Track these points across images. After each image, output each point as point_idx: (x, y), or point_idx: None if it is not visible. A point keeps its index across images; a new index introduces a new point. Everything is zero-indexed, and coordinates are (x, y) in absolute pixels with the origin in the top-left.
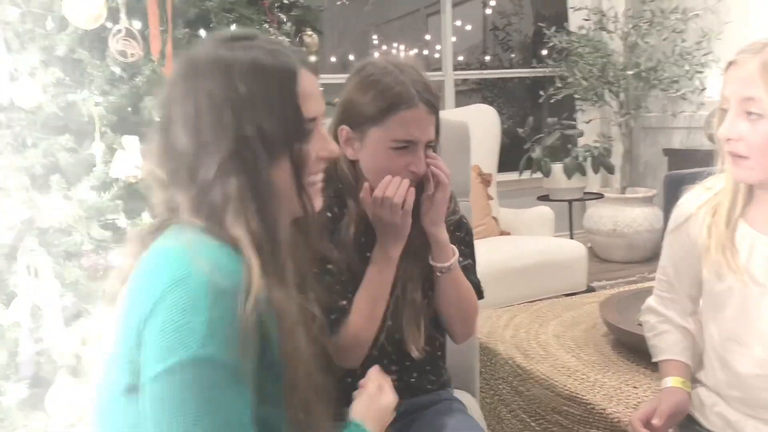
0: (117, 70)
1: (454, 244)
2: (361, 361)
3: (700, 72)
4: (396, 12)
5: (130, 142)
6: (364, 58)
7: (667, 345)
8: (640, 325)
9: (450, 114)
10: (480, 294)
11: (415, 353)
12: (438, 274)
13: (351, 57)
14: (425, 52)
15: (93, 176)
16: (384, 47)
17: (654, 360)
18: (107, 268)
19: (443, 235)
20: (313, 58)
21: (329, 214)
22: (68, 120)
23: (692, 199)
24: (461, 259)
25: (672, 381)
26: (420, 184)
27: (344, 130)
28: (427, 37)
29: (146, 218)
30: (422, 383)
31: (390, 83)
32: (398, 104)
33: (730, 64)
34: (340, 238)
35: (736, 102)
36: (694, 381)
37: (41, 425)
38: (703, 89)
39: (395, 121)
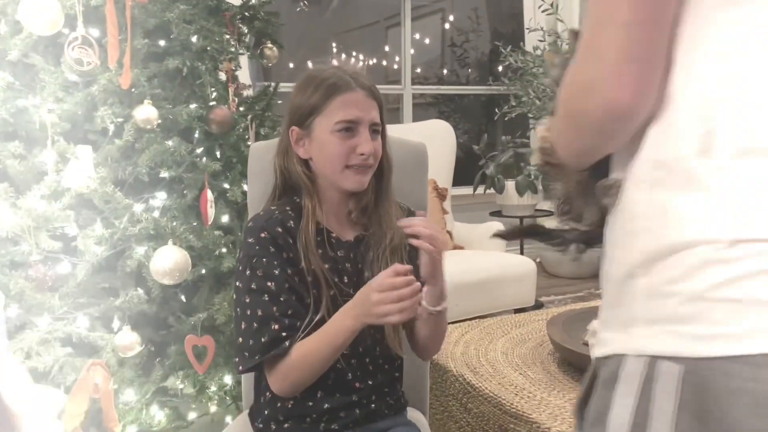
0: (72, 77)
1: (414, 260)
2: (296, 393)
3: None
4: (356, 22)
5: (84, 151)
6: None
7: None
8: (586, 344)
9: (408, 130)
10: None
11: (397, 351)
12: (425, 316)
13: (309, 64)
14: (384, 63)
15: (44, 185)
16: (343, 56)
17: None
18: (56, 279)
19: (440, 284)
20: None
21: (279, 229)
22: (18, 126)
23: None
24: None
25: None
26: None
27: (294, 130)
28: (387, 48)
29: (98, 229)
30: (380, 408)
31: (326, 75)
32: (335, 89)
33: None
34: (302, 243)
35: None
36: None
37: None
38: None
39: (335, 105)
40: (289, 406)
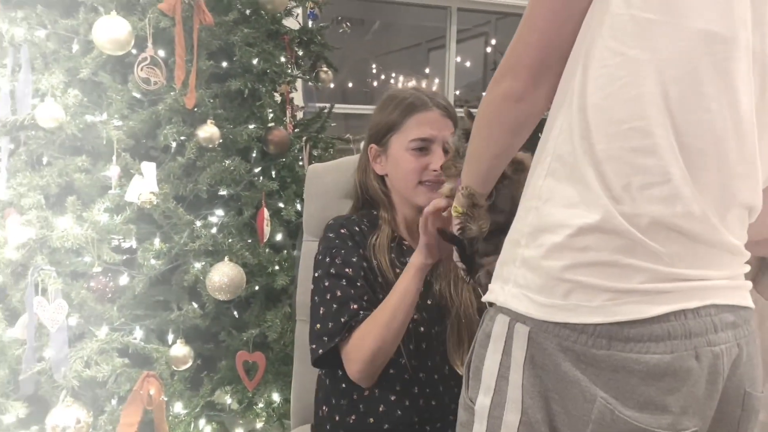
0: (137, 95)
1: None
2: (368, 378)
3: None
4: (397, 44)
5: (149, 167)
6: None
7: None
8: None
9: None
10: None
11: (457, 368)
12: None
13: (350, 84)
14: (423, 84)
15: (107, 198)
16: (383, 77)
17: None
18: (115, 290)
19: None
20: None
21: (357, 228)
22: (85, 141)
23: None
24: None
25: None
26: None
27: (372, 148)
28: (427, 70)
29: (157, 243)
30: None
31: (404, 95)
32: (412, 109)
33: None
34: (376, 245)
35: None
36: None
37: None
38: None
39: (411, 123)
40: (351, 421)
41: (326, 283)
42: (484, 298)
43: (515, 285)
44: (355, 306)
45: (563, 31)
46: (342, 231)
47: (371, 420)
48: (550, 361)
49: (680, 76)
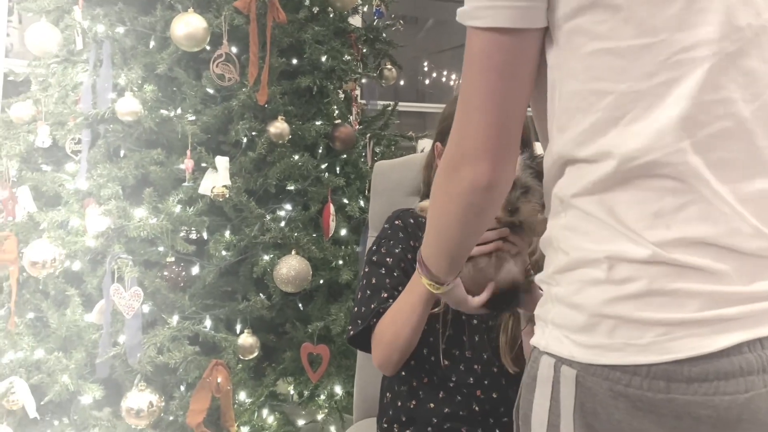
0: (210, 91)
1: None
2: (389, 366)
3: None
4: (450, 42)
5: (222, 161)
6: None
7: None
8: None
9: None
10: None
11: (508, 365)
12: (525, 324)
13: (401, 82)
14: None
15: (181, 190)
16: (434, 75)
17: None
18: (187, 280)
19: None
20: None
21: (412, 221)
22: (161, 135)
23: None
24: None
25: None
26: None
27: (437, 146)
28: None
29: (227, 235)
30: (505, 424)
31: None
32: None
33: None
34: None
35: None
36: None
37: (110, 425)
38: None
39: None
40: (411, 406)
41: (367, 270)
42: (530, 342)
43: (554, 326)
44: (386, 294)
45: (519, 98)
46: (396, 222)
47: (431, 405)
48: (603, 409)
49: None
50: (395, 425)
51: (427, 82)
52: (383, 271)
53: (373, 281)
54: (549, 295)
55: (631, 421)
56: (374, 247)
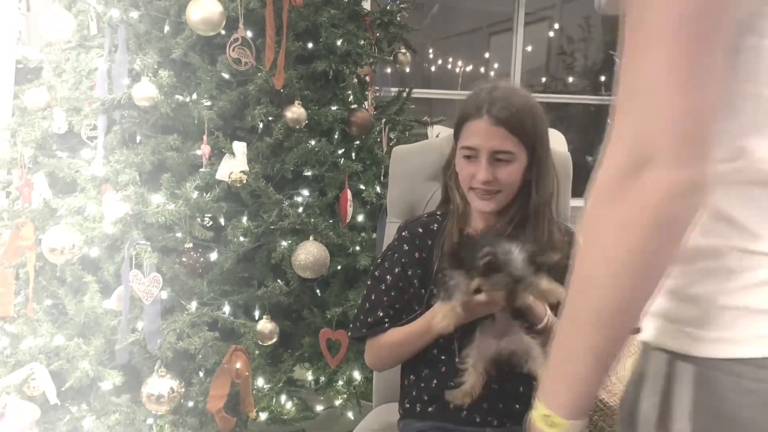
0: (225, 76)
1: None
2: (384, 370)
3: None
4: (457, 29)
5: (239, 147)
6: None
7: None
8: None
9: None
10: None
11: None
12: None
13: (407, 70)
14: (482, 70)
15: (198, 176)
16: (440, 62)
17: None
18: (205, 266)
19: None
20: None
21: (434, 227)
22: (177, 120)
23: None
24: None
25: None
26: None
27: (454, 144)
28: (487, 55)
29: (244, 221)
30: (526, 409)
31: (467, 101)
32: (465, 117)
33: None
34: (442, 241)
35: None
36: None
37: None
38: None
39: (464, 131)
40: (433, 385)
41: (369, 282)
42: (638, 338)
43: (667, 320)
44: (381, 314)
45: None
46: (404, 233)
47: (452, 384)
48: (728, 406)
49: None
50: (417, 405)
51: (433, 69)
52: (383, 288)
53: (373, 297)
54: (662, 289)
55: (762, 418)
56: (379, 260)
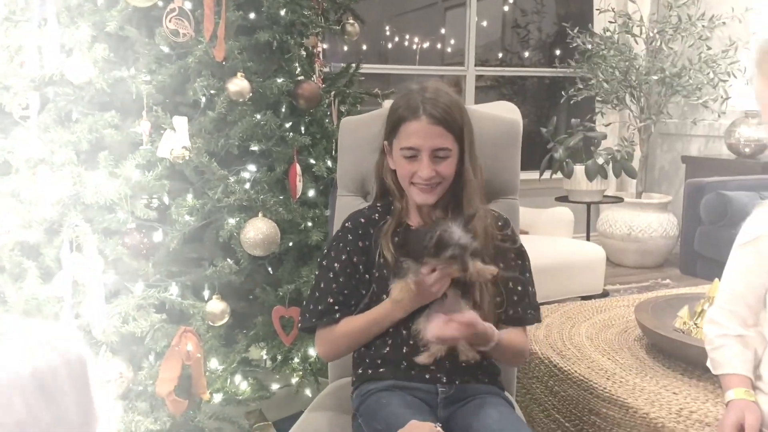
0: (165, 50)
1: (519, 280)
2: (336, 359)
3: (725, 80)
4: (412, 4)
5: (180, 122)
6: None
7: (727, 359)
8: (677, 331)
9: (491, 108)
10: (538, 319)
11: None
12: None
13: (364, 47)
14: (439, 45)
15: (139, 154)
16: (397, 39)
17: (715, 373)
18: (150, 247)
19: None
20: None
21: (376, 216)
22: (114, 97)
23: (766, 216)
24: (519, 288)
25: (736, 393)
26: None
27: (385, 144)
28: (443, 31)
29: (190, 199)
30: (472, 371)
31: (403, 102)
32: (402, 119)
33: None
34: (379, 234)
35: None
36: (754, 389)
37: None
38: (727, 98)
39: (402, 132)
40: (385, 351)
41: (317, 272)
42: None
43: None
44: (331, 300)
45: None
46: (347, 225)
47: (404, 350)
48: None
49: None
50: (369, 369)
51: (389, 46)
52: (331, 276)
53: (322, 285)
54: None
55: None
56: (326, 250)
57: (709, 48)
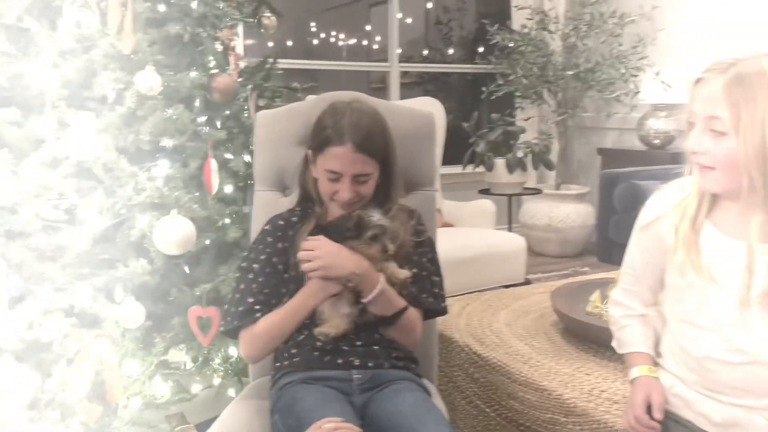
0: (69, 43)
1: (422, 263)
2: (260, 359)
3: (635, 75)
4: (338, 0)
5: (85, 118)
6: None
7: (630, 338)
8: (589, 315)
9: (414, 103)
10: (441, 311)
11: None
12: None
13: (289, 43)
14: (365, 42)
15: (43, 152)
16: (323, 35)
17: (619, 352)
18: (56, 248)
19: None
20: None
21: (294, 219)
22: (14, 92)
23: (663, 200)
24: (425, 273)
25: (639, 370)
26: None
27: (309, 152)
28: (368, 27)
29: (99, 197)
30: (384, 354)
31: (331, 122)
32: (328, 141)
33: (698, 81)
34: (296, 236)
35: (702, 119)
36: (655, 365)
37: None
38: (637, 92)
39: (327, 153)
40: (301, 337)
41: (237, 274)
42: None
43: None
44: (251, 300)
45: None
46: (266, 227)
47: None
48: None
49: None
50: (286, 362)
51: (315, 42)
52: (250, 277)
53: (242, 287)
54: None
55: None
56: (246, 253)
57: (620, 44)
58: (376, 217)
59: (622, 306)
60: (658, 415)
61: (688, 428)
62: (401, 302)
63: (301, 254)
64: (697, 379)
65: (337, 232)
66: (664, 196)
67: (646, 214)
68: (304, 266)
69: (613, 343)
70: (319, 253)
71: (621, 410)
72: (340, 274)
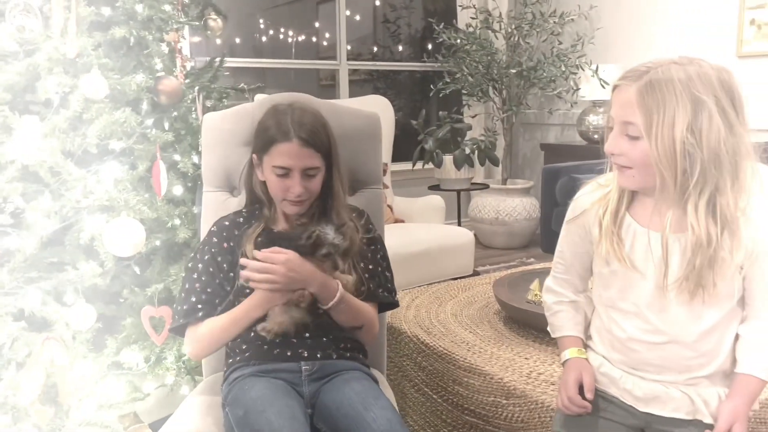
0: (11, 46)
1: (376, 260)
2: (203, 358)
3: (575, 73)
4: None
5: (30, 122)
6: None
7: (562, 323)
8: (529, 302)
9: (356, 104)
10: (395, 304)
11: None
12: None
13: (237, 40)
14: (314, 39)
15: None
16: (272, 32)
17: (553, 336)
18: (3, 253)
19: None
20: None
21: (240, 219)
22: None
23: (587, 194)
24: (380, 269)
25: (570, 353)
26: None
27: (254, 156)
28: (317, 24)
29: (46, 202)
30: (333, 345)
31: (274, 122)
32: (274, 140)
33: (615, 87)
34: (242, 237)
35: (618, 123)
36: (585, 348)
37: None
38: (577, 89)
39: (274, 151)
40: (251, 334)
41: (183, 274)
42: None
43: None
44: (194, 299)
45: None
46: (212, 228)
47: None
48: None
49: None
50: (237, 357)
51: (264, 39)
52: (195, 276)
53: (186, 286)
54: None
55: None
56: (192, 254)
57: (560, 43)
58: (331, 235)
59: (554, 293)
60: (589, 395)
61: (615, 404)
62: (364, 306)
63: (256, 265)
64: (622, 358)
65: (291, 244)
66: (589, 192)
67: (573, 208)
68: (256, 278)
69: (548, 329)
70: (278, 268)
71: (557, 391)
72: (297, 288)
